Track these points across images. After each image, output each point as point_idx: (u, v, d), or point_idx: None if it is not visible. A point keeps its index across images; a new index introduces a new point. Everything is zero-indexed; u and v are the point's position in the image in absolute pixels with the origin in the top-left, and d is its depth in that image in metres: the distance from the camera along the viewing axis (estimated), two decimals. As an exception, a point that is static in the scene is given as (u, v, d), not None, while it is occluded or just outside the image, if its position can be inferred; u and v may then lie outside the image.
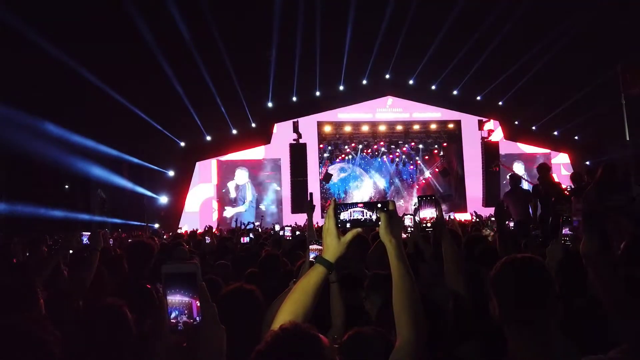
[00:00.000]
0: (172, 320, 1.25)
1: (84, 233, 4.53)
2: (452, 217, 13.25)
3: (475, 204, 19.66)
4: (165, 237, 11.50)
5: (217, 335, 1.29)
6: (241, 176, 20.22)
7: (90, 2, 12.01)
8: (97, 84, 13.23)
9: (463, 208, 20.52)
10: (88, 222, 16.99)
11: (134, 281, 3.39)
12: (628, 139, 17.36)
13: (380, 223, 1.53)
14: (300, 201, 17.97)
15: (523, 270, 1.57)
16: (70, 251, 4.17)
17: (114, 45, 13.23)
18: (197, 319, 1.25)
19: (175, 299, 1.25)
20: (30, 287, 2.38)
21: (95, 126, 14.51)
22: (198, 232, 12.17)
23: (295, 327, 1.22)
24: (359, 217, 1.55)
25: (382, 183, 22.69)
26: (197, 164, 19.61)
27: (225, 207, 20.02)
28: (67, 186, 19.39)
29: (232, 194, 20.00)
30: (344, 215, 1.55)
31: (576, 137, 21.40)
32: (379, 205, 1.55)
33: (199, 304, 1.25)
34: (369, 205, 1.55)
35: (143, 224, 16.17)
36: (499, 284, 1.59)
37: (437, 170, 22.50)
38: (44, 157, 12.82)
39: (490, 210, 17.34)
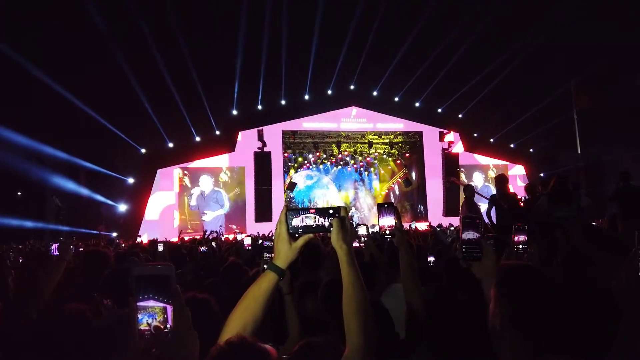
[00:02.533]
0: (140, 328, 1.17)
1: (52, 243, 4.39)
2: (413, 227, 13.48)
3: (436, 214, 20.10)
4: (123, 245, 11.14)
5: (190, 342, 1.24)
6: (206, 183, 19.89)
7: (51, 5, 11.66)
8: (54, 87, 12.79)
9: (424, 218, 20.91)
10: (42, 230, 16.32)
11: (86, 292, 3.28)
12: (579, 151, 18.22)
13: (332, 229, 1.53)
14: (265, 210, 17.89)
15: (533, 280, 1.57)
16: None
17: (72, 47, 12.84)
18: (170, 324, 1.18)
19: (146, 303, 1.17)
20: None
21: (51, 131, 13.99)
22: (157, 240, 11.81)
23: (241, 340, 1.19)
24: (311, 223, 1.54)
25: (345, 192, 22.85)
26: (159, 171, 19.19)
27: (206, 212, 19.62)
28: (19, 193, 18.60)
29: (193, 202, 19.58)
30: (296, 222, 1.54)
31: (531, 150, 22.24)
32: (331, 211, 1.55)
33: (171, 309, 1.18)
34: (321, 211, 1.55)
35: (97, 232, 15.60)
36: (506, 293, 1.57)
37: (399, 180, 22.86)
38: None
39: (451, 220, 17.76)
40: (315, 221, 1.54)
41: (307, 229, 1.54)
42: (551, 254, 3.53)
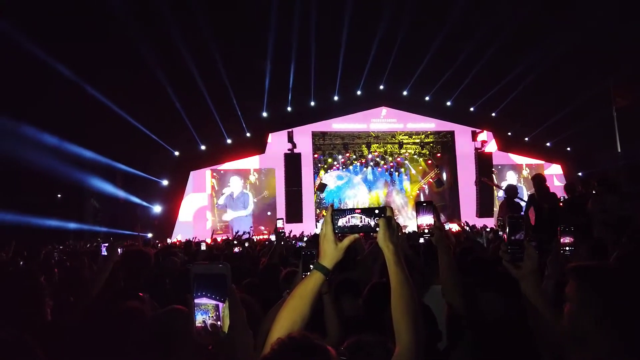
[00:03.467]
0: (197, 325, 1.20)
1: (103, 244, 4.58)
2: (447, 228, 13.28)
3: (469, 215, 19.73)
4: (159, 246, 11.40)
5: (245, 341, 1.26)
6: (236, 184, 20.15)
7: (87, 14, 12.07)
8: (93, 93, 13.24)
9: (457, 218, 20.56)
10: (80, 231, 16.88)
11: (129, 290, 3.36)
12: (619, 150, 17.56)
13: (378, 229, 1.53)
14: (295, 211, 17.97)
15: (632, 279, 1.55)
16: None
17: (109, 55, 13.26)
18: (221, 322, 1.20)
19: (200, 300, 1.21)
20: (36, 294, 2.37)
21: (90, 135, 14.47)
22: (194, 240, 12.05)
23: (303, 336, 1.20)
24: (357, 223, 1.54)
25: (376, 192, 22.74)
26: (191, 173, 19.56)
27: (227, 210, 19.89)
28: (59, 195, 19.28)
29: (221, 201, 19.85)
30: (342, 222, 1.55)
31: (568, 149, 21.57)
32: (377, 211, 1.55)
33: (222, 306, 1.20)
34: (367, 211, 1.55)
35: (134, 233, 16.02)
36: (604, 292, 1.54)
37: (431, 180, 22.58)
38: (38, 165, 12.75)
39: (484, 221, 17.40)
40: (361, 221, 1.54)
41: (353, 229, 1.54)
42: (597, 253, 3.42)
